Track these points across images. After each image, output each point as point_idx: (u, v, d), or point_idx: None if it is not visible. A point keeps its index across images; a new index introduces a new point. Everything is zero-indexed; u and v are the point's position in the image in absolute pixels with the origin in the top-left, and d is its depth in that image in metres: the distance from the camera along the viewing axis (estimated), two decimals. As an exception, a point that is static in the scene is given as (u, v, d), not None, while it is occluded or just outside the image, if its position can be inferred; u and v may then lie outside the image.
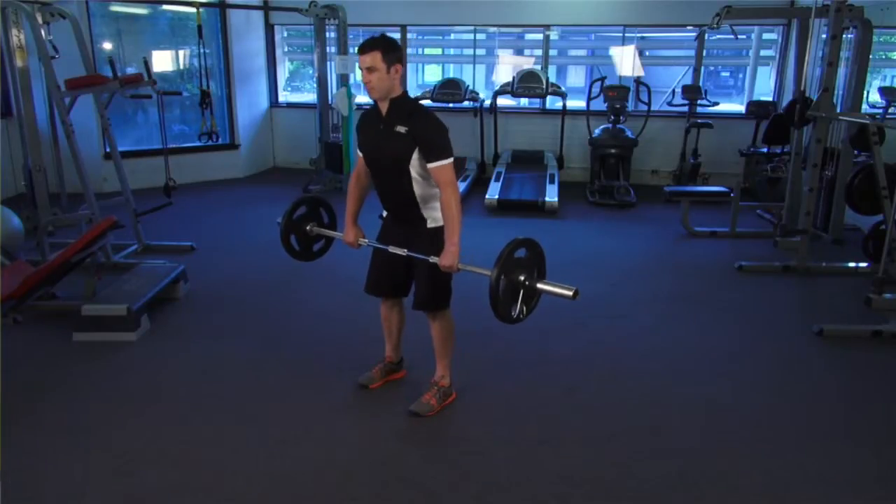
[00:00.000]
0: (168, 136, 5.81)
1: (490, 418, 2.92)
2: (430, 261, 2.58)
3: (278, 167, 8.74)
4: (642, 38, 8.11)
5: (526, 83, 7.43)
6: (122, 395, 3.07)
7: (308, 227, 2.99)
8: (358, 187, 2.88)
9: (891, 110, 6.67)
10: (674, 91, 7.86)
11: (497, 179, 7.12)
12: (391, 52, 2.52)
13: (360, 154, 2.80)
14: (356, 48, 2.63)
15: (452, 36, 9.32)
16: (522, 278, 2.39)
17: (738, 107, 8.26)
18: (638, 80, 7.86)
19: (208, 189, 7.33)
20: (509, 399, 3.07)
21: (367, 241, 2.87)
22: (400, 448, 2.71)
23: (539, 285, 2.40)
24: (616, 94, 7.15)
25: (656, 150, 7.82)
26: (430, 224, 2.70)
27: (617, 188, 6.93)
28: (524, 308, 2.44)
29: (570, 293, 2.33)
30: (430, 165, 2.56)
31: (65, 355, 3.44)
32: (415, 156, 2.58)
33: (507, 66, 8.57)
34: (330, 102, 7.21)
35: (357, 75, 8.40)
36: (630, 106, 7.40)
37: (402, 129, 2.56)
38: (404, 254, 2.67)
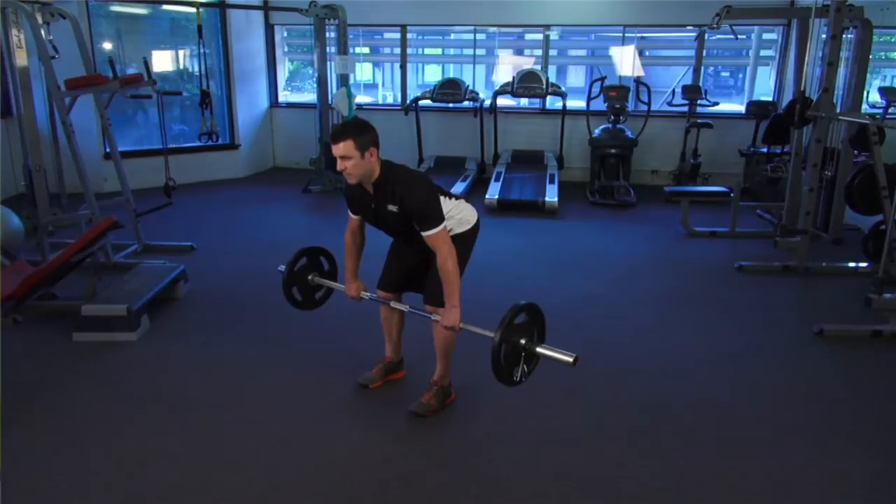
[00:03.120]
0: (168, 136, 5.81)
1: (490, 418, 2.93)
2: (433, 318, 2.67)
3: (278, 167, 8.74)
4: (642, 38, 8.11)
5: (526, 83, 7.43)
6: (122, 394, 3.07)
7: (309, 277, 3.05)
8: (354, 245, 2.91)
9: (891, 110, 6.67)
10: (674, 91, 7.86)
11: (497, 179, 7.12)
12: (362, 136, 2.51)
13: (353, 216, 2.84)
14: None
15: (452, 36, 9.31)
16: (523, 342, 2.40)
17: (738, 107, 8.26)
18: (638, 80, 7.86)
19: (208, 189, 7.33)
20: (509, 399, 3.06)
21: (368, 294, 2.93)
22: (400, 448, 2.71)
23: (539, 350, 2.41)
24: (616, 94, 7.15)
25: (656, 150, 7.82)
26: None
27: (617, 188, 6.93)
28: (525, 369, 2.45)
29: (570, 360, 2.32)
30: (423, 234, 2.59)
31: (65, 355, 3.44)
32: (415, 225, 2.63)
33: (507, 66, 8.56)
34: (330, 102, 7.21)
35: (357, 76, 8.44)
36: (630, 106, 7.40)
37: (393, 208, 2.61)
38: (406, 309, 2.79)
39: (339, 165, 2.55)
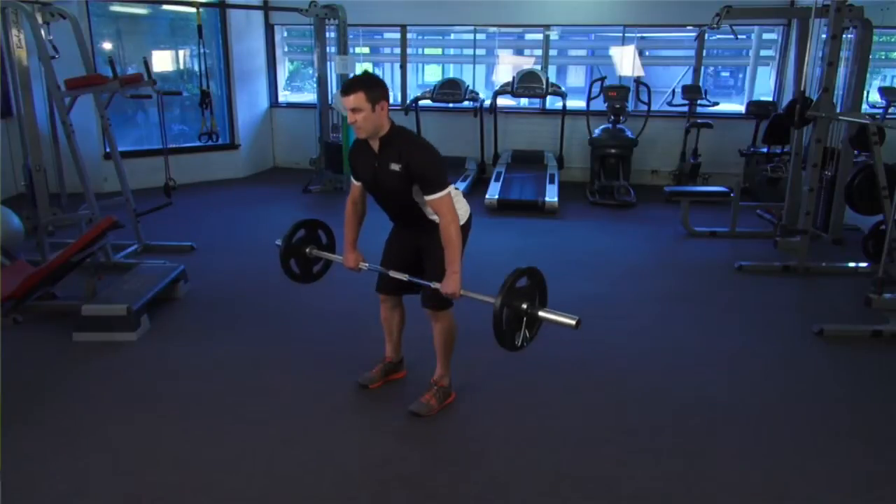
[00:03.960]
0: (168, 136, 5.81)
1: (490, 418, 2.92)
2: (432, 286, 2.63)
3: (278, 167, 8.74)
4: (642, 38, 8.11)
5: (526, 83, 7.43)
6: (122, 395, 3.07)
7: (307, 250, 3.01)
8: (354, 214, 2.90)
9: (891, 110, 6.67)
10: (674, 91, 7.86)
11: (497, 179, 7.12)
12: (374, 89, 2.51)
13: (356, 182, 2.82)
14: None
15: (452, 36, 9.31)
16: (525, 307, 2.40)
17: (738, 107, 8.26)
18: (638, 80, 7.86)
19: (208, 189, 7.33)
20: (509, 399, 3.07)
21: (367, 265, 2.90)
22: (400, 448, 2.71)
23: (541, 314, 2.40)
24: (616, 94, 7.14)
25: (656, 150, 7.82)
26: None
27: (617, 188, 6.93)
28: (527, 334, 2.45)
29: (573, 322, 2.32)
30: (427, 198, 2.58)
31: (65, 355, 3.44)
32: (414, 188, 2.61)
33: (507, 66, 8.56)
34: (330, 102, 7.21)
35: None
36: (630, 106, 7.40)
37: (396, 167, 2.58)
38: (405, 279, 2.73)
39: (350, 118, 2.54)
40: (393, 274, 2.76)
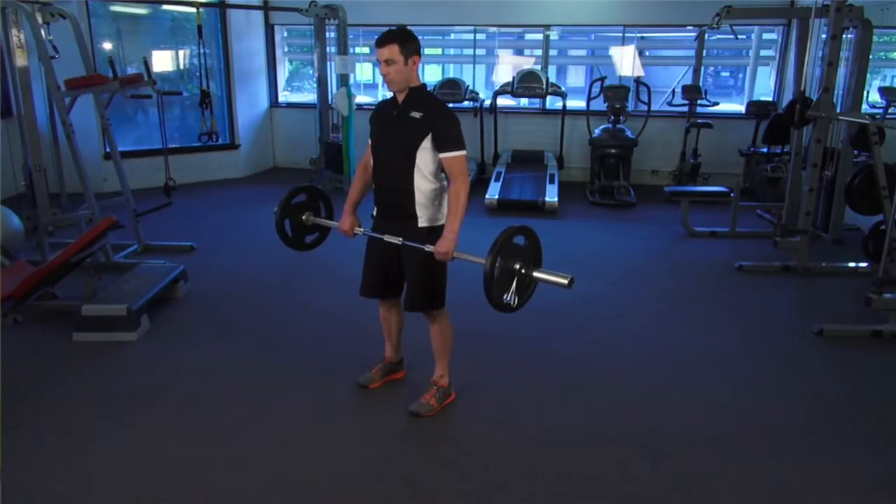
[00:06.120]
0: (168, 136, 5.81)
1: (490, 418, 2.92)
2: (426, 249, 2.58)
3: (278, 167, 8.74)
4: (642, 38, 8.11)
5: (526, 83, 7.43)
6: (122, 394, 3.07)
7: (304, 216, 2.99)
8: (364, 176, 2.88)
9: (891, 110, 6.67)
10: (674, 91, 7.86)
11: (497, 179, 7.12)
12: (408, 43, 2.54)
13: (370, 143, 2.80)
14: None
15: (452, 36, 9.32)
16: (517, 266, 2.38)
17: (738, 107, 8.26)
18: (638, 80, 7.86)
19: (208, 189, 7.33)
20: (509, 399, 3.07)
21: (362, 230, 2.86)
22: (400, 448, 2.71)
23: (534, 273, 2.40)
24: (616, 94, 7.15)
25: (656, 150, 7.82)
26: (421, 223, 2.70)
27: (617, 188, 6.93)
28: (518, 296, 2.43)
29: (566, 281, 2.32)
30: (442, 155, 2.58)
31: (65, 355, 3.44)
32: (423, 145, 2.59)
33: (507, 66, 8.57)
34: (330, 102, 7.21)
35: (357, 76, 8.43)
36: (630, 106, 7.40)
37: (416, 114, 2.59)
38: (399, 242, 2.66)
39: (383, 70, 2.55)
40: (388, 238, 2.68)
